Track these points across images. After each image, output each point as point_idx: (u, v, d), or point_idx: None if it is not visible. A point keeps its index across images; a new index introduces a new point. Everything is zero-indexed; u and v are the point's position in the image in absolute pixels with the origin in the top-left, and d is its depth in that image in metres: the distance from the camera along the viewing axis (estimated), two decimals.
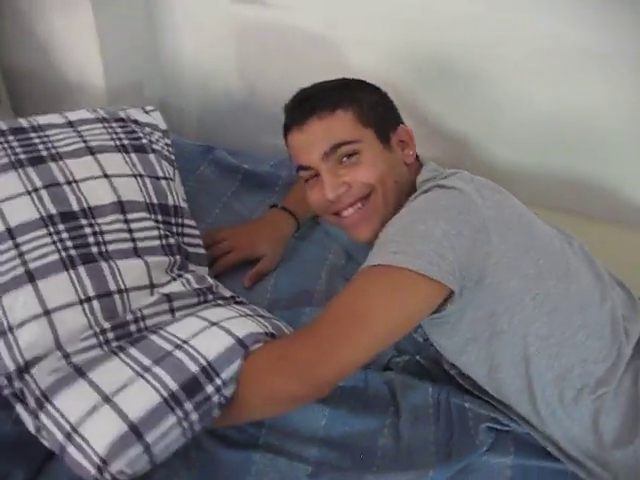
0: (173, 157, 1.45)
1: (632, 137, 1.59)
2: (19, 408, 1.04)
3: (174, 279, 1.22)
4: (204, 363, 1.00)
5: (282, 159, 1.70)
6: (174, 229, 1.32)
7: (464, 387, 1.23)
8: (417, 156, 1.28)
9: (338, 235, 1.50)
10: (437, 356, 1.27)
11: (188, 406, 0.97)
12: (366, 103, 1.21)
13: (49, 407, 0.98)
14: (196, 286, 1.21)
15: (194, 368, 0.99)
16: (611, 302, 1.15)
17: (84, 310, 1.11)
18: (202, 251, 1.37)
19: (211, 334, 1.04)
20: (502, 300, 1.08)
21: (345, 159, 1.18)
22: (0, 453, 1.06)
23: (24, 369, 1.05)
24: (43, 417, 0.98)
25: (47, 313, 1.09)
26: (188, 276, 1.24)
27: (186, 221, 1.36)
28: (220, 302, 1.19)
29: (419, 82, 1.53)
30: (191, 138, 1.75)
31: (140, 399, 0.96)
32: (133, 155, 1.34)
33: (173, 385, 0.97)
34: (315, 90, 1.25)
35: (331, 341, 0.99)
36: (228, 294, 1.24)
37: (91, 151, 1.30)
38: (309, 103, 1.21)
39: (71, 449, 0.95)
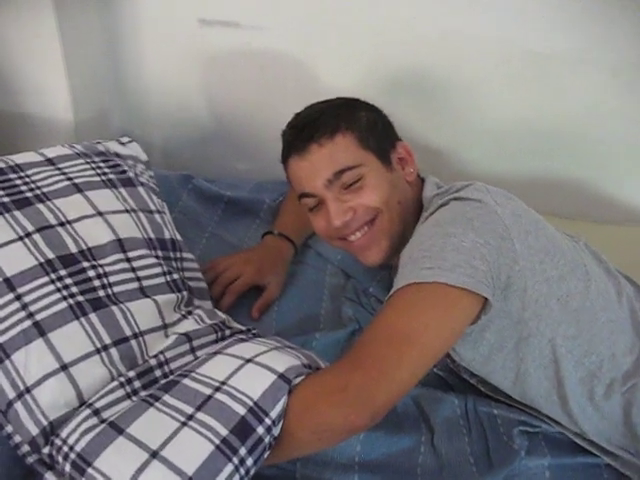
0: (158, 189, 1.34)
1: (609, 139, 1.60)
2: (49, 476, 0.92)
3: (184, 317, 1.13)
4: (250, 403, 0.90)
5: (259, 182, 1.64)
6: (174, 264, 1.22)
7: (486, 394, 1.19)
8: (417, 172, 1.24)
9: (330, 255, 1.45)
10: (453, 366, 1.23)
11: (242, 451, 0.87)
12: (364, 124, 1.17)
13: (91, 471, 0.86)
14: (210, 322, 1.12)
15: (241, 410, 0.89)
16: (626, 296, 1.15)
17: (103, 360, 1.00)
18: (204, 285, 1.27)
19: (249, 371, 0.95)
20: (529, 305, 1.05)
21: (349, 184, 1.14)
22: None
23: (50, 432, 0.93)
24: None
25: (65, 367, 0.97)
26: (199, 312, 1.14)
27: (184, 254, 1.26)
28: (242, 337, 1.09)
29: (393, 97, 1.48)
30: (159, 168, 1.63)
31: (191, 450, 0.86)
32: (122, 190, 1.22)
33: (223, 431, 0.87)
34: (312, 115, 1.19)
35: (384, 365, 0.92)
36: (243, 327, 1.15)
37: (79, 189, 1.17)
38: (308, 129, 1.15)
39: None
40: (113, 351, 1.01)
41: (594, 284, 1.10)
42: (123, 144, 1.38)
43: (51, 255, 1.06)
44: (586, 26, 1.47)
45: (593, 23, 1.46)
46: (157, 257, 1.18)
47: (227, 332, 1.11)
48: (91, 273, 1.07)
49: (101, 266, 1.09)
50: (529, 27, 1.50)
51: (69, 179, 1.19)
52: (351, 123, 1.16)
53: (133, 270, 1.12)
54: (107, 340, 1.01)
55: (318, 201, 1.17)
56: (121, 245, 1.13)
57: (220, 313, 1.17)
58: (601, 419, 1.09)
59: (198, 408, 0.91)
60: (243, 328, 1.15)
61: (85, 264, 1.08)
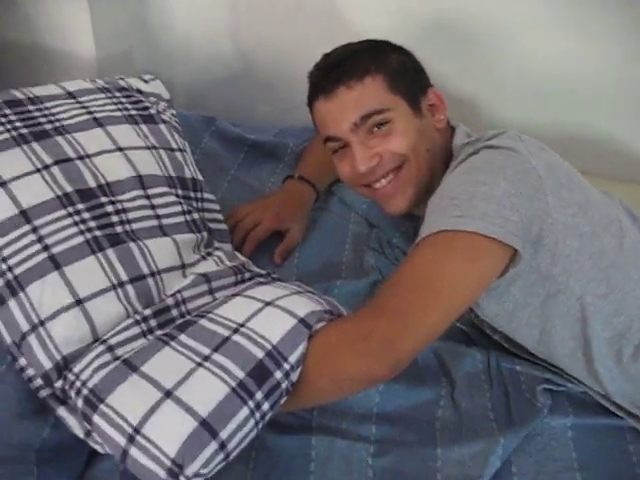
0: (180, 128, 1.29)
1: None
2: (62, 411, 0.90)
3: (204, 258, 1.09)
4: (269, 347, 0.86)
5: (283, 128, 1.59)
6: (195, 204, 1.18)
7: (510, 351, 1.15)
8: (447, 120, 1.18)
9: (355, 203, 1.39)
10: (476, 321, 1.18)
11: (259, 395, 0.83)
12: (395, 68, 1.11)
13: (104, 408, 0.83)
14: (229, 264, 1.08)
15: (259, 353, 0.86)
16: None
17: (118, 296, 0.96)
18: (224, 227, 1.23)
19: (269, 315, 0.91)
20: (559, 261, 1.00)
21: (376, 129, 1.09)
22: (39, 462, 0.89)
23: (63, 367, 0.90)
24: (97, 419, 0.83)
25: (79, 302, 0.94)
26: (219, 254, 1.11)
27: (205, 195, 1.21)
28: (262, 280, 1.05)
29: (425, 44, 1.37)
30: (181, 109, 1.58)
31: (206, 391, 0.83)
32: (143, 126, 1.18)
33: (240, 373, 0.84)
34: (341, 56, 1.13)
35: (408, 313, 0.88)
36: (263, 271, 1.10)
37: (99, 123, 1.13)
38: (336, 71, 1.10)
39: (135, 452, 0.81)
40: (129, 288, 0.98)
41: (628, 241, 1.05)
42: (146, 81, 1.33)
43: (69, 189, 1.02)
44: None
45: None
46: (177, 195, 1.13)
47: (247, 275, 1.07)
48: (109, 208, 1.03)
49: (120, 202, 1.05)
50: None
51: (89, 113, 1.15)
52: (381, 66, 1.10)
53: (152, 207, 1.08)
54: (124, 277, 0.98)
55: (344, 145, 1.12)
56: (141, 181, 1.09)
57: (240, 256, 1.14)
58: (627, 381, 1.05)
59: (215, 349, 0.87)
60: (263, 272, 1.11)
61: (103, 199, 1.04)
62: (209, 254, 1.11)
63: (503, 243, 0.92)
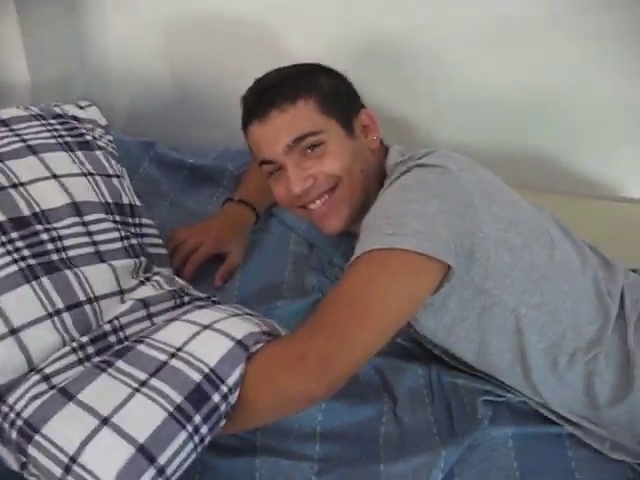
0: (117, 154, 1.29)
1: (580, 111, 1.58)
2: None
3: (142, 283, 1.08)
4: (207, 370, 0.86)
5: (223, 150, 1.60)
6: (133, 229, 1.18)
7: (451, 364, 1.17)
8: (381, 140, 1.21)
9: (295, 224, 1.41)
10: (417, 336, 1.19)
11: (197, 419, 0.83)
12: (326, 90, 1.14)
13: (39, 438, 0.81)
14: (169, 288, 1.07)
15: (197, 377, 0.85)
16: (590, 266, 1.13)
17: (55, 325, 0.95)
18: (164, 251, 1.23)
19: (206, 338, 0.91)
20: (492, 274, 1.03)
21: (309, 151, 1.11)
22: None
23: None
24: (32, 450, 0.81)
25: (14, 332, 0.92)
26: (157, 278, 1.10)
27: (143, 220, 1.21)
28: (201, 303, 1.05)
29: (361, 64, 1.45)
30: (121, 134, 1.58)
31: (144, 417, 0.82)
32: (79, 153, 1.18)
33: (177, 397, 0.83)
34: (273, 80, 1.15)
35: (344, 332, 0.89)
36: (203, 295, 1.10)
37: (33, 150, 1.12)
38: (268, 94, 1.12)
39: None
40: (66, 316, 0.97)
41: (558, 253, 1.08)
42: (82, 107, 1.33)
43: (2, 217, 1.01)
44: None
45: None
46: (114, 221, 1.13)
47: (186, 299, 1.07)
48: (44, 236, 1.03)
49: (55, 229, 1.04)
50: None
51: (23, 141, 1.14)
52: (313, 89, 1.12)
53: (89, 234, 1.08)
54: (59, 304, 0.97)
55: (278, 167, 1.13)
56: (77, 208, 1.09)
57: (180, 280, 1.13)
58: (564, 389, 1.08)
59: (152, 374, 0.86)
60: (203, 295, 1.10)
61: (38, 227, 1.03)
62: (148, 279, 1.10)
63: (436, 259, 0.94)
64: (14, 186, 1.06)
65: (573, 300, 1.07)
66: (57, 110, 1.26)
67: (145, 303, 1.02)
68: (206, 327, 0.93)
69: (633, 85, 1.53)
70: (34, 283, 0.97)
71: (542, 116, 1.61)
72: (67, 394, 0.85)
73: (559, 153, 1.65)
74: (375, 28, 1.57)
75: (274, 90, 1.12)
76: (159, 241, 1.24)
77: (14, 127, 1.17)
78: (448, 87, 1.62)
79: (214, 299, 1.11)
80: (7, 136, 1.14)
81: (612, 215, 1.59)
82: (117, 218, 1.15)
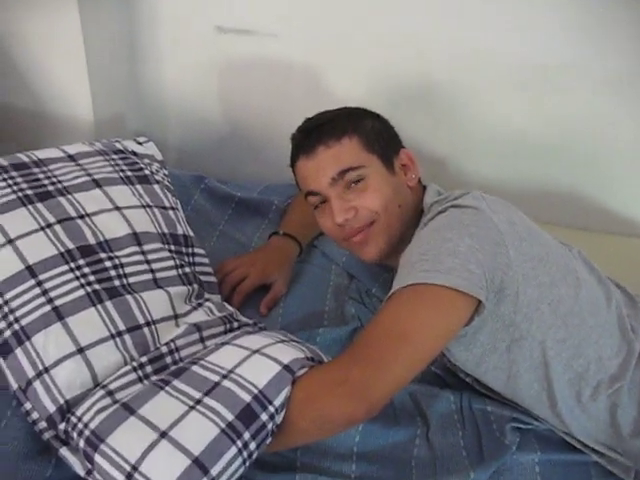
0: (172, 187, 1.38)
1: (608, 151, 1.63)
2: (64, 451, 0.96)
3: (195, 308, 1.17)
4: (255, 391, 0.94)
5: (268, 185, 1.68)
6: (186, 258, 1.26)
7: (481, 392, 1.22)
8: (419, 179, 1.28)
9: (336, 256, 1.48)
10: (449, 365, 1.25)
11: (246, 435, 0.91)
12: (370, 130, 1.22)
13: (104, 448, 0.90)
14: (219, 314, 1.16)
15: (247, 397, 0.93)
16: (615, 302, 1.18)
17: (117, 345, 1.04)
18: (213, 279, 1.31)
19: (256, 362, 0.99)
20: (520, 309, 1.08)
21: (352, 185, 1.19)
22: None
23: (66, 410, 0.98)
24: (98, 458, 0.90)
25: (81, 350, 1.02)
26: (209, 304, 1.19)
27: (196, 250, 1.30)
28: (249, 329, 1.14)
29: (399, 107, 1.51)
30: (173, 168, 1.67)
31: (198, 432, 0.90)
32: (139, 186, 1.27)
33: (229, 415, 0.91)
34: (321, 119, 1.24)
35: (381, 361, 0.96)
36: (250, 321, 1.19)
37: (98, 184, 1.22)
38: (316, 132, 1.20)
39: None
40: (127, 337, 1.06)
41: (584, 290, 1.13)
42: (140, 143, 1.43)
43: (71, 245, 1.11)
44: (586, 38, 1.51)
45: (596, 34, 1.50)
46: (170, 251, 1.22)
47: (235, 324, 1.15)
48: (108, 264, 1.12)
49: (117, 257, 1.14)
50: (533, 38, 1.54)
51: (89, 175, 1.24)
52: (357, 128, 1.21)
53: (147, 262, 1.17)
54: (121, 327, 1.06)
55: (323, 199, 1.21)
56: (137, 238, 1.18)
57: (229, 306, 1.21)
58: (588, 420, 1.12)
59: (206, 393, 0.95)
60: (250, 321, 1.19)
61: (102, 255, 1.12)
62: (200, 305, 1.18)
63: (468, 295, 1.00)
64: (81, 217, 1.16)
65: (598, 335, 1.12)
66: (118, 146, 1.36)
67: (198, 327, 1.10)
68: (255, 352, 1.00)
69: None
70: (99, 306, 1.06)
71: (574, 155, 1.66)
72: (129, 409, 0.94)
73: (591, 191, 1.70)
74: (414, 69, 1.65)
75: (321, 128, 1.21)
76: (209, 269, 1.32)
77: (80, 162, 1.27)
78: (480, 128, 1.68)
79: (260, 325, 1.19)
80: (74, 170, 1.24)
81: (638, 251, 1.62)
82: (172, 247, 1.23)
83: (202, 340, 1.10)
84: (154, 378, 1.02)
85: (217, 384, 0.96)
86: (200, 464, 0.87)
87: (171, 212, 1.29)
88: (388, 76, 1.67)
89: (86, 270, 1.09)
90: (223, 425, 0.90)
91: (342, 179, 1.18)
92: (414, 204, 1.23)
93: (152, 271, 1.16)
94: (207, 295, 1.24)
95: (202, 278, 1.28)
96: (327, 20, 1.63)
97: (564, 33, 1.51)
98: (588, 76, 1.55)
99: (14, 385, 1.01)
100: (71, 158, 1.27)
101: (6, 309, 1.04)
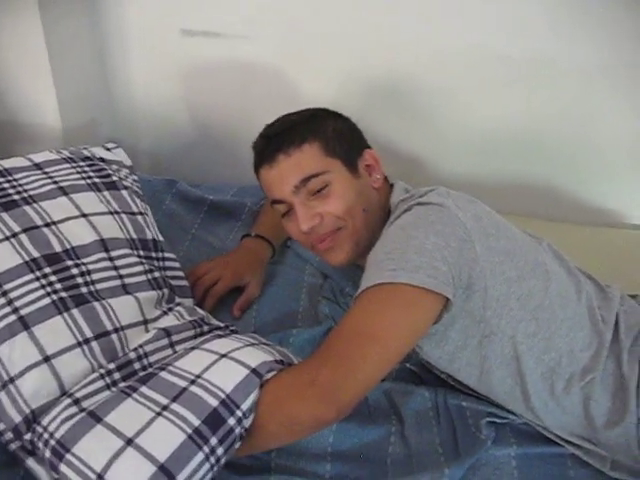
0: (142, 192, 1.37)
1: (581, 143, 1.63)
2: (31, 462, 0.95)
3: (165, 313, 1.16)
4: (223, 396, 0.93)
5: (241, 187, 1.67)
6: (156, 263, 1.25)
7: (457, 387, 1.22)
8: (385, 177, 1.27)
9: (309, 256, 1.48)
10: (424, 361, 1.25)
11: (213, 440, 0.90)
12: (331, 133, 1.20)
13: (69, 457, 0.89)
14: (189, 318, 1.15)
15: (214, 402, 0.92)
16: (585, 294, 1.18)
17: (84, 352, 1.03)
18: (185, 283, 1.30)
19: (223, 366, 0.98)
20: (489, 304, 1.08)
21: (316, 191, 1.17)
22: None
23: (32, 420, 0.96)
24: (64, 468, 0.88)
25: (47, 359, 1.00)
26: (179, 309, 1.18)
27: (166, 254, 1.29)
28: (219, 333, 1.12)
29: (370, 105, 1.53)
30: (145, 174, 1.66)
31: (164, 438, 0.89)
32: (106, 193, 1.26)
33: (196, 421, 0.90)
34: (280, 126, 1.23)
35: (350, 362, 0.95)
36: (222, 324, 1.18)
37: (64, 192, 1.21)
38: (276, 140, 1.19)
39: None
40: (94, 344, 1.04)
41: (554, 283, 1.13)
42: (109, 149, 1.42)
43: (36, 254, 1.09)
44: (561, 30, 1.50)
45: (568, 29, 1.50)
46: (139, 256, 1.21)
47: (206, 328, 1.14)
48: (74, 271, 1.10)
49: (84, 264, 1.12)
50: (505, 33, 1.54)
51: (55, 182, 1.23)
52: (318, 132, 1.19)
53: (115, 268, 1.15)
54: (89, 334, 1.05)
55: (288, 207, 1.20)
56: (104, 245, 1.16)
57: (200, 310, 1.20)
58: (562, 413, 1.12)
59: (173, 399, 0.94)
60: (222, 325, 1.18)
61: (69, 262, 1.11)
62: (170, 309, 1.17)
63: (435, 292, 1.00)
64: (47, 225, 1.14)
65: (568, 328, 1.12)
66: (86, 153, 1.35)
67: (167, 332, 1.09)
68: (223, 356, 0.99)
69: (636, 114, 1.59)
70: (65, 314, 1.05)
71: (546, 147, 1.67)
72: (95, 417, 0.93)
73: (563, 183, 1.70)
74: (386, 68, 1.64)
75: (281, 136, 1.19)
76: (181, 273, 1.31)
77: (47, 170, 1.25)
78: (453, 124, 1.68)
79: (232, 328, 1.17)
80: (40, 178, 1.22)
81: (615, 242, 1.63)
82: (141, 253, 1.22)
83: (171, 345, 1.09)
84: (122, 385, 1.01)
85: (184, 389, 0.95)
86: (166, 471, 0.86)
87: (140, 217, 1.27)
88: (359, 76, 1.66)
89: (52, 278, 1.07)
90: (189, 431, 0.89)
91: (305, 186, 1.17)
92: (380, 204, 1.22)
93: (120, 277, 1.15)
94: (178, 299, 1.23)
95: (173, 282, 1.26)
96: (296, 21, 1.63)
97: (536, 28, 1.51)
98: (561, 71, 1.55)
99: None
100: (37, 166, 1.25)
101: None
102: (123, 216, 1.24)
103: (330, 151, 1.18)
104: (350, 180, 1.19)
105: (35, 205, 1.16)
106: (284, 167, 1.17)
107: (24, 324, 1.02)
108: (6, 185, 1.19)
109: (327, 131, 1.20)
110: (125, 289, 1.14)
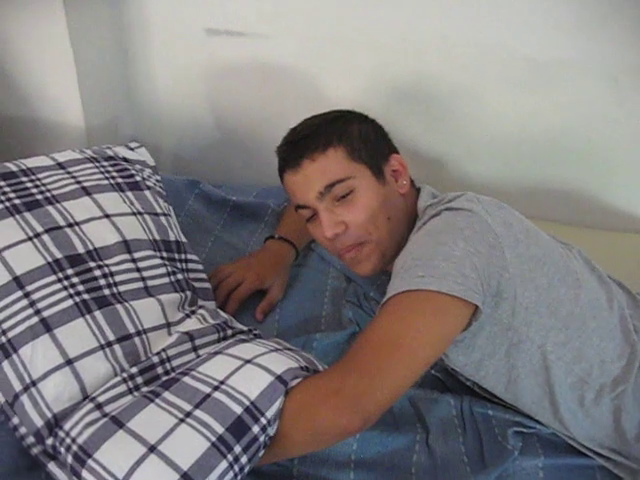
0: (165, 193, 1.35)
1: (609, 148, 1.60)
2: (52, 467, 0.94)
3: (188, 316, 1.14)
4: (247, 403, 0.91)
5: (264, 188, 1.65)
6: (179, 265, 1.23)
7: (483, 396, 1.19)
8: (412, 181, 1.25)
9: (333, 259, 1.45)
10: (449, 369, 1.22)
11: (237, 449, 0.88)
12: (356, 137, 1.18)
13: (91, 463, 0.87)
14: (213, 322, 1.13)
15: (238, 409, 0.90)
16: (617, 303, 1.15)
17: (106, 356, 1.01)
18: (208, 285, 1.28)
19: (248, 372, 0.95)
20: (518, 312, 1.05)
21: (341, 197, 1.15)
22: None
23: (54, 424, 0.95)
24: (86, 474, 0.87)
25: (69, 362, 0.99)
26: (202, 312, 1.15)
27: (189, 256, 1.27)
28: (243, 337, 1.10)
29: (395, 107, 1.50)
30: (167, 174, 1.65)
31: (188, 446, 0.87)
32: (129, 193, 1.24)
33: (219, 429, 0.88)
34: (305, 130, 1.20)
35: (377, 370, 0.93)
36: (245, 328, 1.15)
37: (87, 192, 1.19)
38: (300, 145, 1.17)
39: None
40: (117, 347, 1.03)
41: (584, 292, 1.10)
42: (132, 149, 1.40)
43: (59, 255, 1.08)
44: (587, 34, 1.47)
45: (593, 31, 1.47)
46: (162, 258, 1.19)
47: (229, 332, 1.12)
48: (97, 272, 1.09)
49: (107, 266, 1.11)
50: (530, 35, 1.51)
51: (78, 182, 1.21)
52: (343, 137, 1.17)
53: (138, 270, 1.14)
54: (111, 337, 1.03)
55: (313, 212, 1.18)
56: (127, 246, 1.15)
57: (223, 313, 1.18)
58: (592, 424, 1.09)
59: (196, 406, 0.92)
60: (245, 328, 1.15)
61: (92, 264, 1.09)
62: (193, 312, 1.15)
63: (464, 300, 0.97)
64: (70, 225, 1.13)
65: (599, 338, 1.09)
66: (109, 152, 1.33)
67: (190, 336, 1.07)
68: (248, 361, 0.97)
69: None
70: (88, 317, 1.03)
71: (573, 150, 1.63)
72: (118, 422, 0.91)
73: (591, 188, 1.67)
74: (410, 69, 1.62)
75: (306, 140, 1.17)
76: (204, 275, 1.29)
77: (70, 169, 1.24)
78: (479, 127, 1.65)
79: (255, 332, 1.15)
80: (63, 178, 1.21)
81: None
82: (164, 254, 1.20)
83: (195, 349, 1.07)
84: (144, 389, 0.99)
85: (208, 396, 0.92)
86: (189, 479, 0.84)
87: (163, 218, 1.25)
88: (383, 76, 1.64)
89: (75, 280, 1.06)
90: (213, 439, 0.87)
91: (330, 192, 1.15)
92: (406, 210, 1.20)
93: (143, 279, 1.13)
94: (201, 302, 1.22)
95: (196, 285, 1.24)
96: (319, 20, 1.60)
97: (562, 29, 1.48)
98: (587, 73, 1.52)
99: (1, 399, 0.98)
100: (60, 166, 1.24)
101: None
102: (146, 217, 1.22)
103: (356, 156, 1.16)
104: (376, 186, 1.17)
105: (58, 205, 1.15)
106: (309, 173, 1.15)
107: (46, 326, 1.00)
108: (29, 185, 1.17)
109: (353, 135, 1.18)
110: (148, 291, 1.12)
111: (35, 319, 1.01)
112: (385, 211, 1.16)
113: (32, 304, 1.02)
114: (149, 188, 1.29)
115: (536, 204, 1.43)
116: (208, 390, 0.93)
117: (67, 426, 0.92)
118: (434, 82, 1.62)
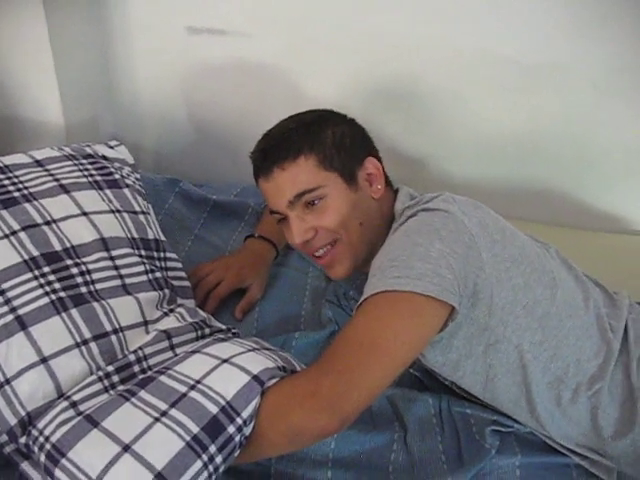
0: (144, 191, 1.34)
1: (589, 149, 1.60)
2: (25, 466, 0.92)
3: (166, 314, 1.12)
4: (223, 403, 0.90)
5: (243, 188, 1.64)
6: (157, 263, 1.22)
7: (461, 395, 1.18)
8: (389, 182, 1.24)
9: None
10: (428, 368, 1.21)
11: (212, 449, 0.87)
12: (329, 144, 1.16)
13: (65, 462, 0.85)
14: (191, 320, 1.11)
15: (214, 409, 0.89)
16: (593, 302, 1.15)
17: (82, 354, 1.00)
18: (187, 284, 1.27)
19: (224, 372, 0.94)
20: (495, 312, 1.05)
21: (310, 205, 1.15)
22: None
23: (28, 422, 0.93)
24: (59, 473, 0.85)
25: (44, 360, 0.97)
26: (180, 310, 1.14)
27: (168, 254, 1.25)
28: (221, 336, 1.09)
29: (377, 107, 1.49)
30: (148, 172, 1.64)
31: (162, 445, 0.86)
32: (108, 191, 1.23)
33: (195, 428, 0.87)
34: (277, 137, 1.19)
35: (353, 371, 0.92)
36: (223, 326, 1.14)
37: (65, 189, 1.17)
38: (272, 153, 1.16)
39: None
40: (93, 345, 1.01)
41: (560, 291, 1.10)
42: (111, 147, 1.38)
43: (35, 252, 1.06)
44: (569, 37, 1.47)
45: (576, 34, 1.47)
46: (140, 256, 1.18)
47: (207, 331, 1.11)
48: (74, 270, 1.07)
49: (84, 264, 1.09)
50: (513, 38, 1.51)
51: (56, 180, 1.19)
52: (315, 144, 1.15)
53: (116, 268, 1.12)
54: (87, 335, 1.01)
55: (285, 217, 1.18)
56: (105, 244, 1.13)
57: (201, 312, 1.17)
58: (568, 423, 1.09)
59: (172, 405, 0.90)
60: (223, 327, 1.14)
61: (69, 262, 1.08)
62: (171, 310, 1.14)
63: (440, 300, 0.97)
64: (47, 223, 1.11)
65: (576, 337, 1.09)
66: (88, 150, 1.32)
67: (168, 334, 1.06)
68: (224, 361, 0.96)
69: (637, 119, 1.56)
70: (64, 314, 1.02)
71: (553, 152, 1.64)
72: (92, 421, 0.89)
73: (570, 188, 1.67)
74: (391, 69, 1.61)
75: (277, 148, 1.16)
76: (183, 274, 1.27)
77: (48, 167, 1.22)
78: (461, 128, 1.65)
79: (234, 331, 1.14)
80: (42, 176, 1.19)
81: (622, 248, 1.60)
82: (143, 252, 1.19)
83: (172, 347, 1.05)
84: (120, 388, 0.97)
85: (184, 395, 0.91)
86: (163, 479, 0.82)
87: (141, 216, 1.24)
88: (364, 76, 1.64)
89: (51, 277, 1.04)
90: (188, 438, 0.86)
91: (300, 200, 1.14)
92: (381, 214, 1.19)
93: (121, 277, 1.11)
94: (180, 300, 1.20)
95: (175, 283, 1.23)
96: (301, 19, 1.60)
97: (545, 32, 1.48)
98: (569, 75, 1.52)
99: None
100: (38, 163, 1.22)
101: None
102: (125, 215, 1.21)
103: (327, 164, 1.14)
104: (347, 193, 1.16)
105: (35, 203, 1.13)
106: (279, 182, 1.14)
107: (21, 324, 0.98)
108: (6, 182, 1.15)
109: (326, 142, 1.16)
110: (125, 289, 1.10)
111: (10, 317, 0.99)
112: (356, 217, 1.16)
113: (7, 302, 1.00)
114: (128, 186, 1.28)
115: (516, 204, 1.42)
116: (184, 389, 0.92)
117: (41, 425, 0.91)
118: (415, 83, 1.61)
